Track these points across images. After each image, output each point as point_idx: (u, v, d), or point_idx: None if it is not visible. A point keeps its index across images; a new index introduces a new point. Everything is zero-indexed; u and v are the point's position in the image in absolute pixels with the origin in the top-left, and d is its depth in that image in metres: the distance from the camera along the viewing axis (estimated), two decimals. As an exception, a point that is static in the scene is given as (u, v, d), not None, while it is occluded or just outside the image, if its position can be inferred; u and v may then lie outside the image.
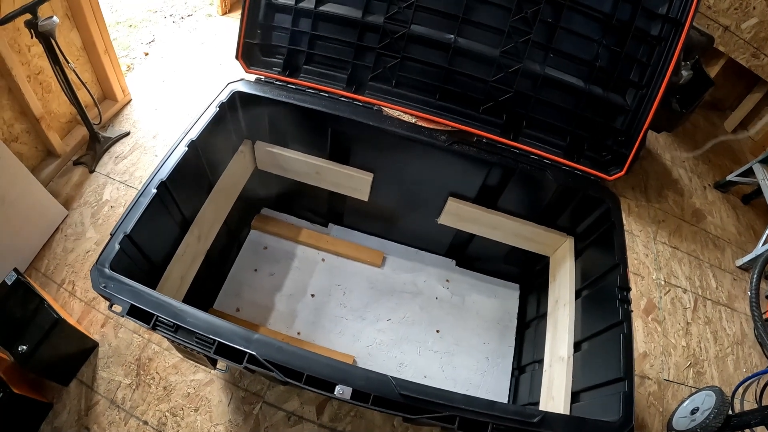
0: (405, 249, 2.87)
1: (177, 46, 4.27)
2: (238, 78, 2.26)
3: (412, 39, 2.15)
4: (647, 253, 3.45)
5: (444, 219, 2.51)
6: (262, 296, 2.67)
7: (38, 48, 2.93)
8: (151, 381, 2.43)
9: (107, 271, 1.62)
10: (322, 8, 2.18)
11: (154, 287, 1.86)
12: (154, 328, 1.52)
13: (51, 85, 3.14)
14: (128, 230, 1.72)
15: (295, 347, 1.52)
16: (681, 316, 3.18)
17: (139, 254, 1.80)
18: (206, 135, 2.04)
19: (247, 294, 2.66)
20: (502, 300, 2.80)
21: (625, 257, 2.00)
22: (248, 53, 2.26)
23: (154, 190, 1.81)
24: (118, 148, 3.33)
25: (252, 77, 2.29)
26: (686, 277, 3.41)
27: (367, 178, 2.43)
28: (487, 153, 2.17)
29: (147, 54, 4.15)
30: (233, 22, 4.57)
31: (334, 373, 1.48)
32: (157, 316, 1.52)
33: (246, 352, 1.47)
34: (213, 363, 1.82)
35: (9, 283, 2.28)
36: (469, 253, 2.79)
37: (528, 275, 2.77)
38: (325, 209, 2.80)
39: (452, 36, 2.10)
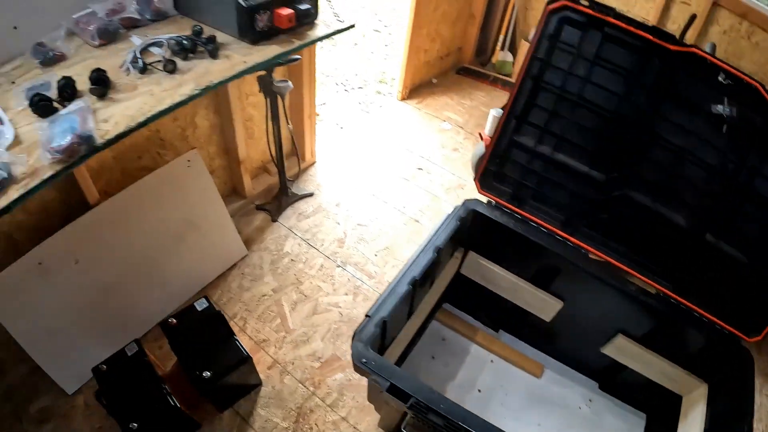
0: (558, 364, 3.23)
1: (352, 117, 4.84)
2: (471, 197, 2.71)
3: (626, 201, 2.54)
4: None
5: (608, 350, 2.86)
6: (436, 382, 3.00)
7: (254, 98, 3.46)
8: (309, 430, 2.75)
9: (365, 349, 2.02)
10: (556, 156, 2.61)
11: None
12: (410, 408, 1.92)
13: (254, 132, 3.66)
14: (386, 315, 2.15)
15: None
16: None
17: (382, 335, 2.23)
18: (444, 242, 2.49)
19: (422, 377, 2.99)
20: (630, 426, 3.09)
21: (752, 423, 2.23)
22: (485, 177, 2.73)
23: (409, 286, 2.26)
24: (301, 206, 3.82)
25: (483, 198, 2.75)
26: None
27: (557, 305, 2.82)
28: (664, 305, 2.53)
29: (318, 115, 4.68)
30: (409, 108, 5.07)
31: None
32: (414, 397, 1.92)
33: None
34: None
35: (199, 309, 2.65)
36: (613, 380, 3.13)
37: (657, 408, 3.07)
38: (504, 318, 3.21)
39: (664, 207, 2.47)
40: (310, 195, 3.89)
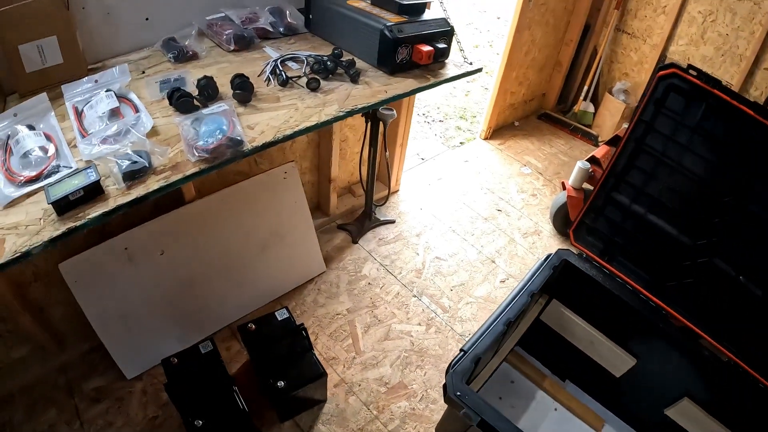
0: (618, 421, 3.18)
1: (433, 150, 4.94)
2: (564, 247, 2.75)
3: (711, 268, 2.55)
4: None
5: (671, 412, 2.83)
6: (502, 423, 3.04)
7: (352, 120, 3.56)
8: (369, 453, 2.76)
9: (460, 382, 2.08)
10: (649, 217, 2.64)
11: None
12: (497, 446, 1.95)
13: (347, 153, 3.76)
14: (480, 352, 2.20)
15: None
16: None
17: (476, 369, 2.27)
18: (538, 288, 2.53)
19: (490, 416, 3.05)
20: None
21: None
22: (579, 230, 2.77)
23: (504, 327, 2.30)
24: (382, 232, 3.89)
25: (573, 248, 2.78)
26: None
27: (630, 361, 2.82)
28: (733, 373, 2.50)
29: (400, 143, 4.78)
30: (491, 148, 5.09)
31: None
32: (502, 435, 1.95)
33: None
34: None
35: (279, 319, 2.72)
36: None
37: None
38: (573, 368, 3.21)
39: (745, 279, 2.46)
40: (392, 222, 3.95)
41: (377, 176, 4.01)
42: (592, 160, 3.82)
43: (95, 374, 2.73)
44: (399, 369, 3.05)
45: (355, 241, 3.72)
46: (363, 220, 3.78)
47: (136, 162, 1.77)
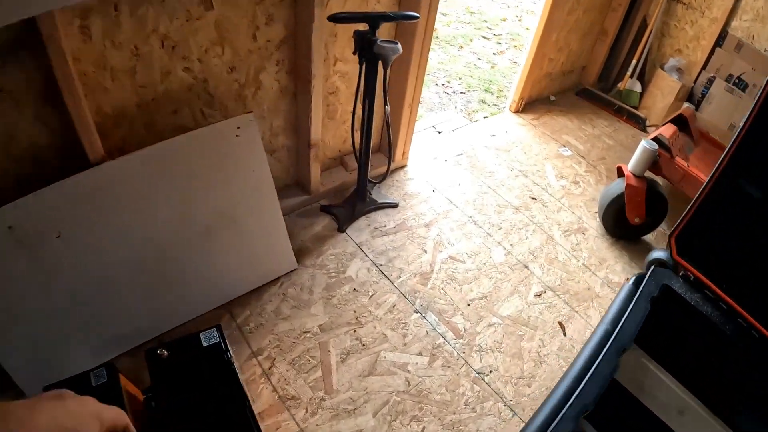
0: None
1: (453, 122, 3.87)
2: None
3: None
4: None
5: None
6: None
7: (344, 65, 2.57)
8: None
9: None
10: None
11: None
12: None
13: (336, 112, 2.72)
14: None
15: None
16: None
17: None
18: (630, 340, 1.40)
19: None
20: None
21: None
22: (685, 237, 1.65)
23: (573, 426, 1.19)
24: (380, 218, 2.80)
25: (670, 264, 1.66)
26: None
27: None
28: None
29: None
30: (523, 123, 4.01)
31: None
32: None
33: None
34: None
35: (204, 344, 1.72)
36: None
37: None
38: None
39: None
40: (394, 206, 2.91)
41: (378, 144, 3.00)
42: (657, 141, 2.90)
43: (5, 385, 1.88)
44: (385, 421, 2.03)
45: (341, 230, 2.71)
46: (354, 202, 2.76)
47: None
